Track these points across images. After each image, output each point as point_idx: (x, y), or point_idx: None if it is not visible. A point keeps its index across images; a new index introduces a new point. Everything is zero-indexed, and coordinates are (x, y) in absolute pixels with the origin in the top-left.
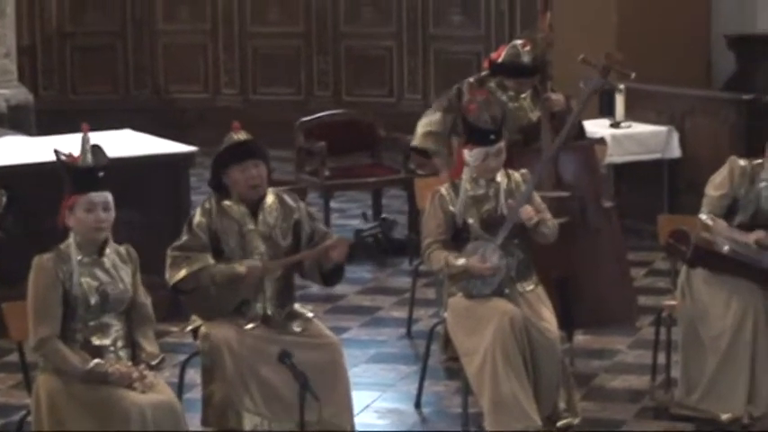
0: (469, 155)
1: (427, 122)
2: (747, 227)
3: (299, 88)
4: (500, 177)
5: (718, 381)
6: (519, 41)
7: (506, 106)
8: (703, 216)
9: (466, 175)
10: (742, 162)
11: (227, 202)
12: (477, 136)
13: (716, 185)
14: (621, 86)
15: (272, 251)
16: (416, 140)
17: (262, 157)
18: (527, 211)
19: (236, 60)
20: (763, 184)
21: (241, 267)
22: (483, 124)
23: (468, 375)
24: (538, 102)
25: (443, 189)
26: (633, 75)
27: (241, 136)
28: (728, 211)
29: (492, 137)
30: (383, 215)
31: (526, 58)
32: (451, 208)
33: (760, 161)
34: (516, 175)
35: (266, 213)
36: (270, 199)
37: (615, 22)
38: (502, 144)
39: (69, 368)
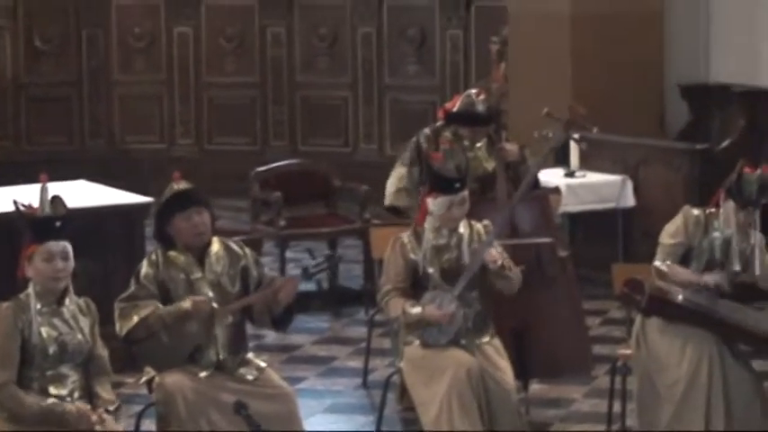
0: (433, 204)
1: (395, 180)
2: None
3: (255, 138)
4: (462, 228)
5: (674, 429)
6: (473, 91)
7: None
8: (658, 263)
9: (429, 224)
10: (696, 211)
11: (172, 253)
12: (441, 185)
13: (671, 234)
14: (584, 145)
15: (221, 298)
16: (388, 199)
17: (204, 205)
18: (492, 254)
19: (191, 110)
20: (716, 234)
21: (186, 303)
22: (448, 173)
23: (424, 425)
24: (493, 151)
25: (405, 237)
26: (596, 129)
27: (182, 185)
28: (682, 260)
29: (457, 185)
30: (330, 252)
31: (480, 107)
32: (412, 256)
33: (713, 210)
34: (478, 226)
35: (213, 261)
36: (215, 246)
37: (570, 73)
38: (466, 193)
39: (26, 410)
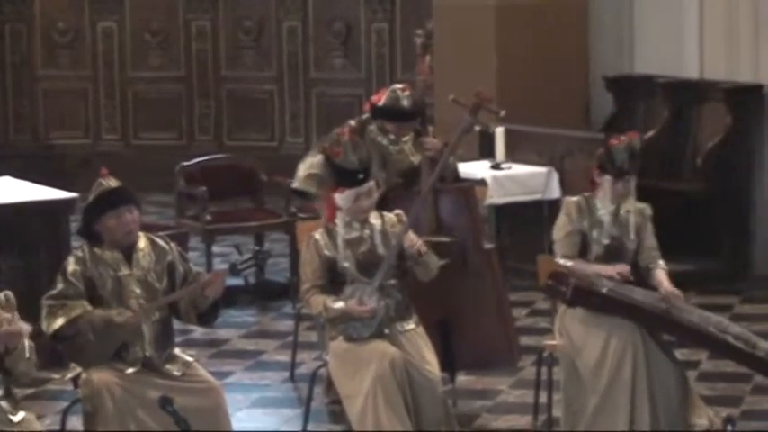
0: (340, 198)
1: (309, 165)
2: (603, 259)
3: (181, 133)
4: (374, 219)
5: (599, 419)
6: (399, 86)
7: (387, 150)
8: (559, 260)
9: (340, 219)
10: (575, 198)
11: (98, 249)
12: (345, 178)
13: (559, 228)
14: (495, 127)
15: (149, 294)
16: (297, 182)
17: (135, 203)
18: (409, 240)
19: (116, 105)
20: (602, 212)
21: (120, 318)
22: (350, 165)
23: (350, 418)
24: (419, 145)
25: (318, 234)
26: (503, 113)
27: (111, 182)
28: (582, 248)
29: (360, 176)
30: (258, 248)
31: (405, 103)
32: (327, 252)
33: (592, 192)
34: (390, 216)
35: (140, 257)
36: (142, 243)
37: (495, 65)
38: (372, 183)
39: None
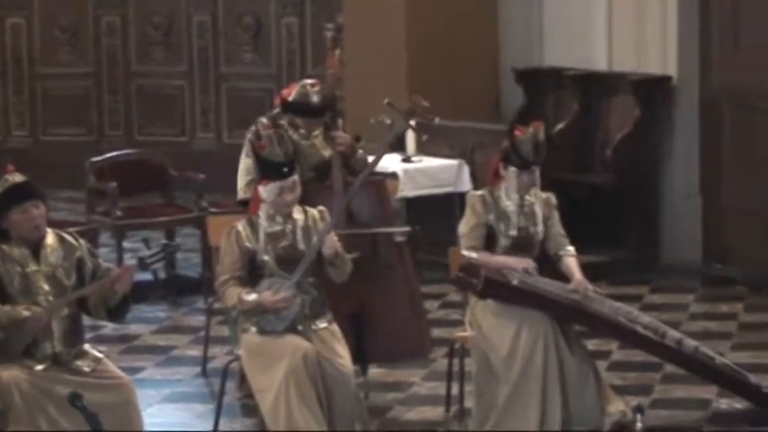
0: (264, 190)
1: (243, 172)
2: (510, 250)
3: (91, 129)
4: (297, 214)
5: (511, 410)
6: (309, 81)
7: (299, 144)
8: (464, 252)
9: (263, 211)
10: (479, 192)
11: (5, 246)
12: (270, 171)
13: (465, 222)
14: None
15: (57, 291)
16: (241, 193)
17: (41, 197)
18: (329, 241)
19: (25, 101)
20: (507, 203)
21: (25, 312)
22: (275, 158)
23: (262, 412)
24: (329, 139)
25: (240, 225)
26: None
27: (17, 178)
28: (489, 240)
29: (285, 170)
30: (166, 241)
31: (314, 98)
32: (248, 244)
33: (493, 187)
34: (313, 212)
35: (48, 253)
36: (50, 239)
37: (405, 58)
38: (296, 177)
39: None
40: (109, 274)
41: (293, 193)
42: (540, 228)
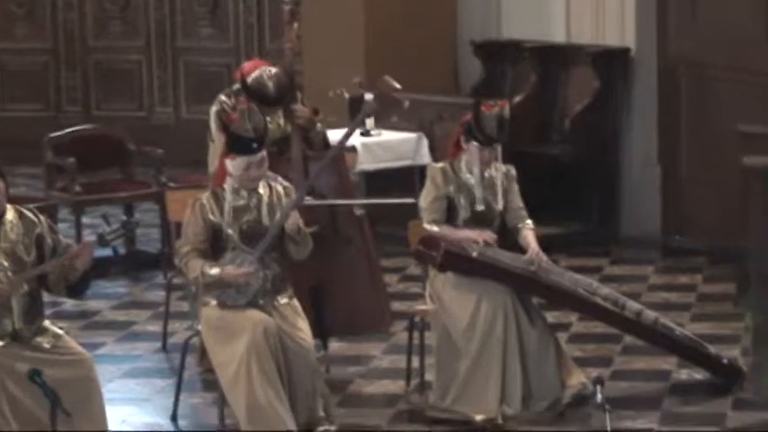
0: (231, 165)
1: (213, 157)
2: (471, 223)
3: (48, 104)
4: (262, 189)
5: (471, 383)
6: (268, 70)
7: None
8: (426, 225)
9: (228, 185)
10: (439, 164)
11: None
12: (239, 145)
13: (425, 195)
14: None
15: (17, 267)
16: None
17: (0, 174)
18: (294, 217)
19: None
20: (467, 176)
21: None
22: (245, 133)
23: (222, 385)
24: (289, 113)
25: (204, 198)
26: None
27: None
28: (450, 213)
29: (254, 146)
30: (126, 218)
31: (270, 89)
32: (211, 217)
33: (454, 160)
34: (278, 188)
35: (7, 229)
36: (10, 215)
37: (363, 32)
38: (264, 153)
39: None
40: (69, 250)
41: (261, 168)
42: (500, 200)
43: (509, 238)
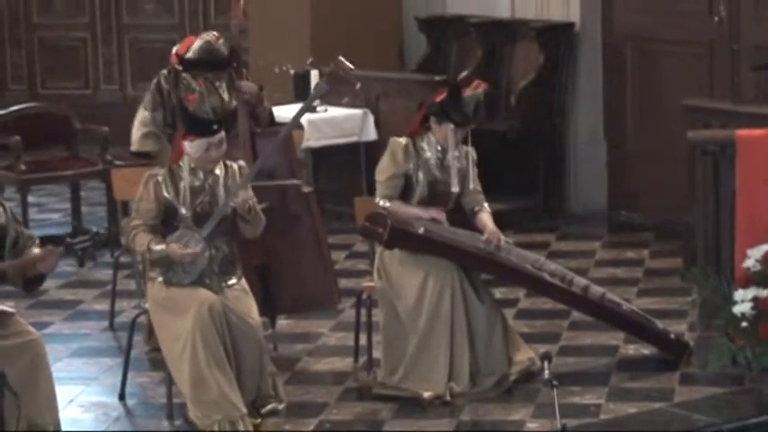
0: (190, 146)
1: (139, 125)
2: (426, 201)
3: None
4: (218, 170)
5: (419, 360)
6: (209, 36)
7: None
8: (378, 200)
9: (185, 164)
10: (402, 140)
11: None
12: (197, 127)
13: (382, 170)
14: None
15: None
16: (135, 145)
17: None
18: (244, 196)
19: None
20: (428, 154)
21: None
22: (204, 114)
23: (168, 363)
24: (234, 90)
25: (160, 175)
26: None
27: None
28: (406, 190)
29: (214, 127)
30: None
31: (223, 50)
32: (166, 195)
33: (418, 135)
34: (234, 167)
35: None
36: None
37: (309, 8)
38: (223, 134)
39: None
40: (31, 241)
41: (219, 150)
42: (457, 180)
43: (463, 218)
